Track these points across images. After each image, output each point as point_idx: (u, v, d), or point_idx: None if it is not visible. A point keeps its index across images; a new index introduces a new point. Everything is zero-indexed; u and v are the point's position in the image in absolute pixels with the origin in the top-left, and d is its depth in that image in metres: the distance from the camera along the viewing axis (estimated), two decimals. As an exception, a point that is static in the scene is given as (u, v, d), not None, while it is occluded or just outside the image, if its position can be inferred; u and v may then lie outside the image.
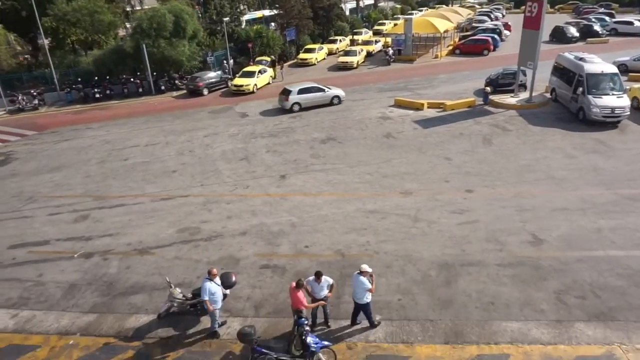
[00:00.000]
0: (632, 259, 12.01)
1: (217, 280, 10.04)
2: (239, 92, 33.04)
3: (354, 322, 10.36)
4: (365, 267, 9.75)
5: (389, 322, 10.34)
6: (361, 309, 10.04)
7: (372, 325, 10.23)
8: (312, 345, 8.79)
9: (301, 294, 9.49)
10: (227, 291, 10.71)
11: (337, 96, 28.55)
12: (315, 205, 16.15)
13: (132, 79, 34.88)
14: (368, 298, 9.83)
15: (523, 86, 27.54)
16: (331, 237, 14.03)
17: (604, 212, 14.43)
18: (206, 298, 9.73)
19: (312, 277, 9.87)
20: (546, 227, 13.79)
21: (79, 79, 34.41)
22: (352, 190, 17.13)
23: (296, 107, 27.63)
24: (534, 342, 9.53)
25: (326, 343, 9.11)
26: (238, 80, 33.63)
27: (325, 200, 16.48)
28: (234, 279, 10.74)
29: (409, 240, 13.56)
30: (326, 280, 9.83)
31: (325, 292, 9.87)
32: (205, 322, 10.46)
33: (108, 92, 33.59)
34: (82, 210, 16.92)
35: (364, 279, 9.67)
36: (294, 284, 9.62)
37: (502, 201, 15.54)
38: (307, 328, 8.92)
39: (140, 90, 34.61)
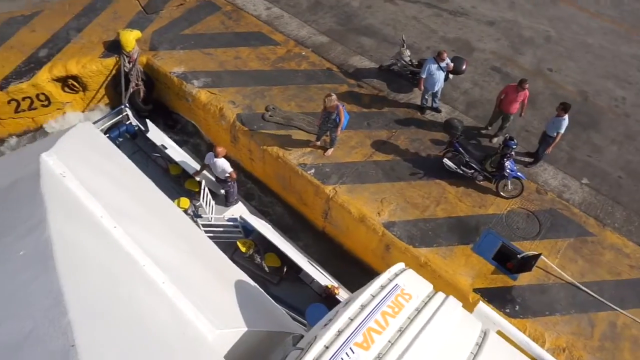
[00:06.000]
0: None
1: (443, 64, 9.46)
2: None
3: None
4: None
5: (594, 192, 9.28)
6: None
7: None
8: (508, 169, 8.46)
9: (520, 95, 8.85)
10: (450, 76, 10.28)
11: None
12: (587, 27, 13.22)
13: None
14: None
15: None
16: (584, 72, 11.83)
17: None
18: (423, 76, 9.54)
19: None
20: None
21: None
22: (644, 28, 13.43)
23: None
24: None
25: (520, 175, 8.70)
26: None
27: (602, 26, 13.33)
28: (464, 67, 10.12)
29: (676, 121, 10.86)
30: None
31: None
32: (417, 94, 10.49)
33: None
34: None
35: None
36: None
37: None
38: (513, 153, 8.42)
39: None
